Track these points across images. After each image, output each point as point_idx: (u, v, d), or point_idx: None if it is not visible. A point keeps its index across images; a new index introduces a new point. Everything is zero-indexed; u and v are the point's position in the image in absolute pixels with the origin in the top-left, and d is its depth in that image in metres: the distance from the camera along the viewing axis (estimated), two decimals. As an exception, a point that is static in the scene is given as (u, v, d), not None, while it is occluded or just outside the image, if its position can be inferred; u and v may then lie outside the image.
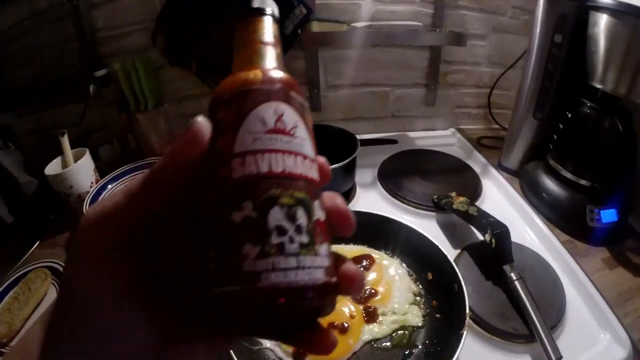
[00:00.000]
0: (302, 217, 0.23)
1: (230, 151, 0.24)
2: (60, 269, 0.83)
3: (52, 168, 0.94)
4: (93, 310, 0.23)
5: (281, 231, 0.22)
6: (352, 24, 1.11)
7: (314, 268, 0.23)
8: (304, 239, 0.23)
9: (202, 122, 0.24)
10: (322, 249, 0.24)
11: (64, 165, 0.95)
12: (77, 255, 0.24)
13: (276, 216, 0.23)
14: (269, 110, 0.25)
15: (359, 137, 1.00)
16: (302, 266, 0.22)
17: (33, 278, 0.81)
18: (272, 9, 0.29)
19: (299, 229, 0.23)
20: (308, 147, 0.26)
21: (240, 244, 0.22)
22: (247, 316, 0.22)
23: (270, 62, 0.27)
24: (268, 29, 0.28)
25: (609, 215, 0.85)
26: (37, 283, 0.80)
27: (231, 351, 0.58)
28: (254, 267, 0.22)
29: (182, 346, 0.25)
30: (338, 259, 0.25)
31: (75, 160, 0.95)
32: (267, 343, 0.66)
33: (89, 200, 0.91)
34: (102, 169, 1.06)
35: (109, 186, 0.97)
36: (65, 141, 0.95)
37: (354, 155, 0.93)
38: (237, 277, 0.21)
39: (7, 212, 0.99)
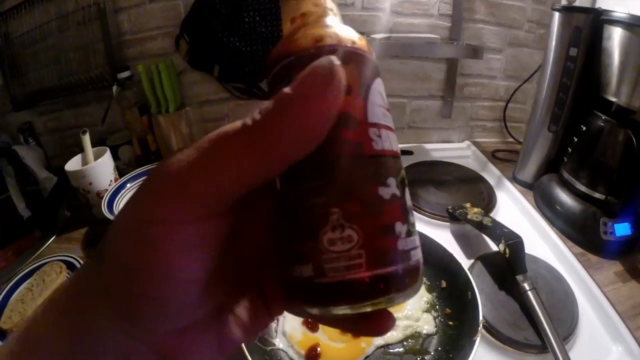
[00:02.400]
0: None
1: (364, 118, 0.21)
2: (77, 264, 0.83)
3: (73, 165, 0.96)
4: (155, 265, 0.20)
5: (411, 210, 0.23)
6: (371, 36, 1.12)
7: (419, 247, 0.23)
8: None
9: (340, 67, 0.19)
10: None
11: (84, 162, 0.97)
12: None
13: (408, 195, 0.23)
14: (382, 85, 0.23)
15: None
16: (419, 245, 0.23)
17: (48, 271, 0.82)
18: None
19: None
20: None
21: (391, 223, 0.21)
22: (368, 297, 0.21)
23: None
24: None
25: (622, 229, 0.84)
26: (52, 276, 0.80)
27: (245, 350, 0.59)
28: (405, 246, 0.21)
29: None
30: None
31: (96, 159, 0.96)
32: (280, 344, 0.66)
33: (107, 198, 0.92)
34: (120, 169, 1.08)
35: (128, 185, 0.99)
36: (87, 139, 0.97)
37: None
38: (391, 257, 0.21)
39: (25, 206, 1.01)
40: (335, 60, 0.18)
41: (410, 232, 0.22)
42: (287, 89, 0.18)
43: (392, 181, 0.21)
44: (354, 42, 0.23)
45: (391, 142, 0.22)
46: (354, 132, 0.21)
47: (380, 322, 0.23)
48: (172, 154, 0.19)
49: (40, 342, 0.21)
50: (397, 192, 0.21)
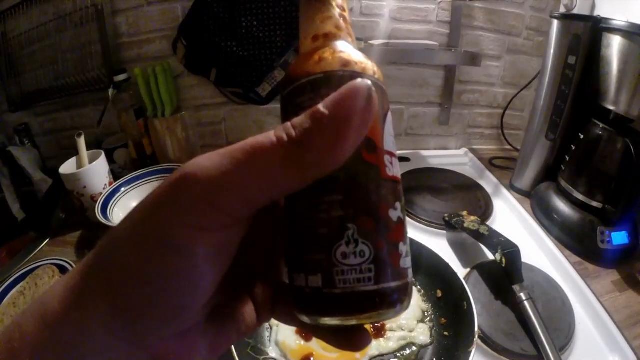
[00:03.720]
0: None
1: (382, 144, 0.23)
2: (69, 268, 0.82)
3: (67, 167, 0.95)
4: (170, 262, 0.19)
5: (407, 233, 0.25)
6: (370, 42, 1.12)
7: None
8: None
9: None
10: None
11: (79, 165, 0.96)
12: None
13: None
14: (391, 117, 0.25)
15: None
16: (411, 266, 0.25)
17: (41, 274, 0.81)
18: None
19: None
20: None
21: (397, 242, 0.23)
22: (373, 309, 0.22)
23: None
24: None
25: (619, 238, 0.84)
26: (45, 279, 0.80)
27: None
28: (404, 264, 0.23)
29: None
30: None
31: (90, 162, 0.95)
32: (273, 353, 0.65)
33: (101, 202, 0.91)
34: (116, 172, 1.08)
35: (122, 189, 0.98)
36: (82, 142, 0.96)
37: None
38: (394, 274, 0.22)
39: (19, 208, 1.00)
40: (372, 86, 0.19)
41: (407, 253, 0.24)
42: (322, 108, 0.19)
43: (398, 205, 0.23)
44: (374, 72, 0.24)
45: (398, 170, 0.24)
46: (374, 156, 0.22)
47: (363, 337, 0.25)
48: (194, 161, 0.20)
49: (27, 354, 0.20)
50: (402, 216, 0.23)
